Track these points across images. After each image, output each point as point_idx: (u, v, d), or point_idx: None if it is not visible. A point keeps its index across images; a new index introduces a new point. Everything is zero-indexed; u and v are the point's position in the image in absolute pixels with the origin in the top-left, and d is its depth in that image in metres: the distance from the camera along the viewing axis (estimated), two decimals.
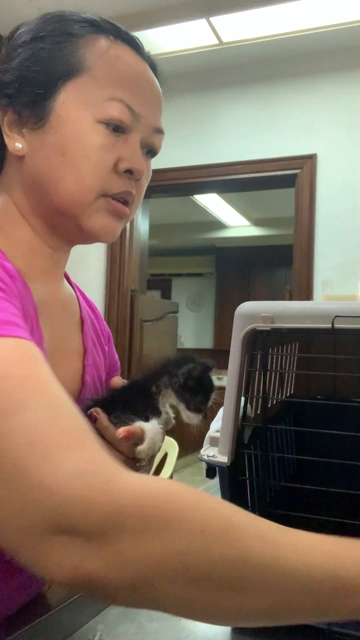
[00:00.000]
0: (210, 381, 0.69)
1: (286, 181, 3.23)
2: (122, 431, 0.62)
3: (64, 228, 0.71)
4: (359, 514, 0.62)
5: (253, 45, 3.02)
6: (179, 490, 0.44)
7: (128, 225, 3.52)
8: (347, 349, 0.63)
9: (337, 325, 0.61)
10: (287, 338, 0.77)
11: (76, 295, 0.84)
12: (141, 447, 0.62)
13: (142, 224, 3.71)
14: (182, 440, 3.47)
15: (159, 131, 0.75)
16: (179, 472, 5.69)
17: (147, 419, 0.64)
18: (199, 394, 0.67)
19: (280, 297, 6.42)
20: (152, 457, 0.68)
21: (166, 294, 8.31)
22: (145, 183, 0.75)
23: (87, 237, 0.72)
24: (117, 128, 0.68)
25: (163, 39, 2.96)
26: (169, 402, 0.68)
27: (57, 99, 0.66)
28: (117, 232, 0.72)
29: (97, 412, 0.66)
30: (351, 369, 0.63)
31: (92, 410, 0.66)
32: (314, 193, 3.09)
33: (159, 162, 3.20)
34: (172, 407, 0.69)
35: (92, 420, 0.65)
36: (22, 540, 0.41)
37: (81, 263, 3.52)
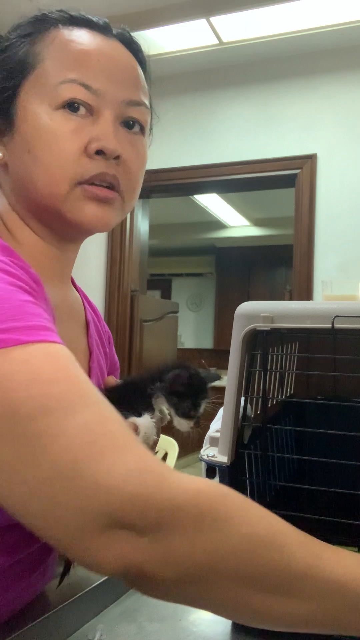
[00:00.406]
0: (201, 388, 0.69)
1: (286, 181, 3.23)
2: None
3: (55, 225, 0.70)
4: (359, 514, 0.62)
5: (253, 45, 3.02)
6: (229, 493, 0.47)
7: (128, 225, 3.52)
8: (347, 349, 0.63)
9: (337, 325, 0.61)
10: (287, 338, 0.77)
11: (80, 297, 0.85)
12: None
13: (142, 224, 3.71)
14: (182, 440, 3.47)
15: (135, 103, 0.70)
16: None
17: (139, 414, 0.64)
18: (187, 400, 0.67)
19: (280, 297, 6.43)
20: None
21: (166, 294, 8.31)
22: (135, 163, 0.71)
23: (78, 230, 0.71)
24: (77, 109, 0.66)
25: (163, 39, 2.96)
26: (162, 406, 0.69)
27: (18, 100, 0.67)
28: (109, 219, 0.70)
29: None
30: (351, 369, 0.63)
31: None
32: (314, 193, 3.09)
33: (159, 162, 3.22)
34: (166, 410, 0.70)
35: None
36: (79, 536, 0.43)
37: (81, 263, 3.51)
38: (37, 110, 0.66)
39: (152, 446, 0.66)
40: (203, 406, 0.69)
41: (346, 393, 0.72)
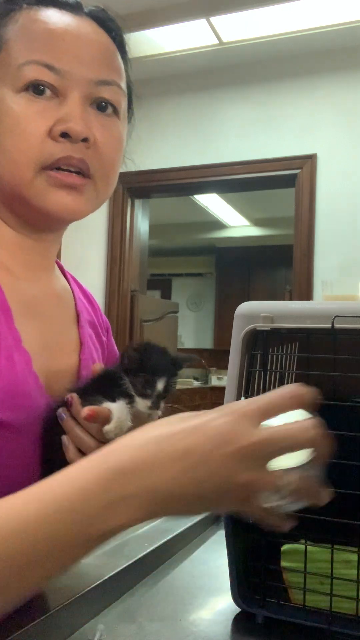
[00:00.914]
0: (159, 365, 0.64)
1: (286, 181, 3.23)
2: (86, 410, 0.59)
3: (24, 214, 0.68)
4: (359, 514, 0.62)
5: (253, 45, 3.02)
6: None
7: (128, 225, 3.52)
8: (347, 349, 0.63)
9: (337, 325, 0.61)
10: (287, 338, 0.77)
11: (71, 287, 0.81)
12: (107, 427, 0.59)
13: (142, 224, 3.71)
14: None
15: (106, 83, 0.66)
16: None
17: (114, 400, 0.61)
18: (140, 377, 0.63)
19: (280, 297, 6.43)
20: None
21: (166, 294, 8.31)
22: (108, 146, 0.67)
23: (47, 218, 0.67)
24: (40, 91, 0.62)
25: (163, 39, 2.96)
26: (130, 390, 0.64)
27: None
28: (79, 207, 0.66)
29: (72, 397, 0.63)
30: (351, 369, 0.63)
31: (68, 395, 0.64)
32: (314, 193, 3.09)
33: (159, 162, 3.23)
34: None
35: (68, 405, 0.63)
36: None
37: (81, 263, 3.52)
38: (0, 96, 0.63)
39: (125, 431, 0.61)
40: (161, 385, 0.63)
41: (346, 393, 0.72)
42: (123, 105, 0.70)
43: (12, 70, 0.62)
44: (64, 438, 0.62)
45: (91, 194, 0.67)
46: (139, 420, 0.63)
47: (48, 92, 0.63)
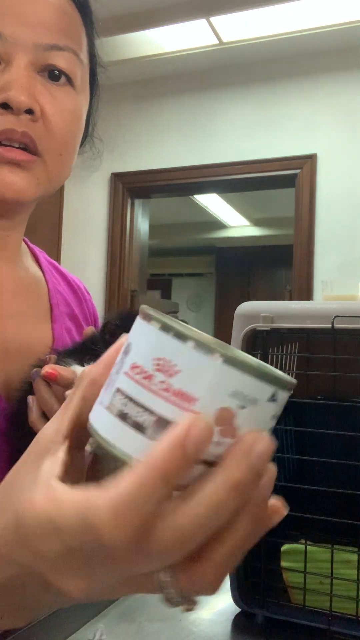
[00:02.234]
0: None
1: (286, 181, 3.23)
2: (46, 368, 0.53)
3: None
4: (359, 514, 0.62)
5: (253, 45, 3.02)
6: None
7: (128, 225, 3.52)
8: (347, 349, 0.63)
9: (337, 325, 0.61)
10: (287, 338, 0.77)
11: (46, 278, 0.74)
12: (69, 392, 0.52)
13: (142, 224, 3.71)
14: None
15: (57, 48, 0.58)
16: None
17: (82, 364, 0.57)
18: None
19: (280, 297, 6.42)
20: None
21: (166, 294, 8.31)
22: (59, 118, 0.60)
23: None
24: None
25: (163, 39, 2.96)
26: None
27: None
28: (24, 185, 0.59)
29: (50, 357, 0.59)
30: (351, 369, 0.63)
31: (47, 355, 0.59)
32: (314, 193, 3.09)
33: (159, 162, 3.23)
34: None
35: (45, 365, 0.58)
36: None
37: (81, 263, 3.52)
38: None
39: None
40: None
41: (346, 393, 0.72)
42: (80, 75, 0.62)
43: None
44: (29, 398, 0.56)
45: (40, 173, 0.60)
46: None
47: None
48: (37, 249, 0.79)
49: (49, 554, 0.28)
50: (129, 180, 3.46)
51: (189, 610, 0.32)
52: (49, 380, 0.54)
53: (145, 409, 0.27)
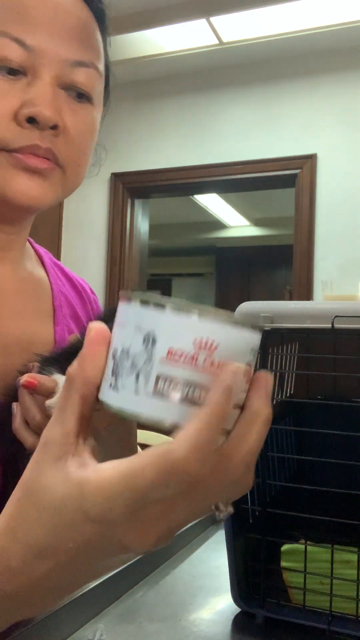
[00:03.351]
0: None
1: (286, 181, 3.23)
2: (25, 377, 0.53)
3: None
4: (359, 514, 0.62)
5: (253, 45, 3.02)
6: None
7: (128, 225, 3.52)
8: (347, 349, 0.63)
9: (337, 325, 0.61)
10: (287, 338, 0.77)
11: (50, 280, 0.74)
12: (49, 402, 0.52)
13: (142, 224, 3.71)
14: None
15: (82, 64, 0.59)
16: None
17: (63, 372, 0.56)
18: None
19: (280, 297, 6.43)
20: None
21: (166, 294, 8.31)
22: (79, 134, 0.61)
23: (4, 206, 0.61)
24: (11, 70, 0.56)
25: (163, 39, 2.96)
26: None
27: None
28: (43, 193, 0.59)
29: (33, 365, 0.58)
30: (351, 369, 0.63)
31: (31, 363, 0.59)
32: (314, 193, 3.09)
33: (159, 162, 3.23)
34: None
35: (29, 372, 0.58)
36: None
37: (81, 263, 3.52)
38: None
39: None
40: None
41: (346, 393, 0.72)
42: (98, 89, 0.63)
43: None
44: (14, 405, 0.56)
45: (57, 182, 0.61)
46: None
47: (16, 70, 0.56)
48: (42, 250, 0.78)
49: (123, 516, 0.32)
50: (129, 180, 3.46)
51: (229, 513, 0.39)
52: (28, 390, 0.53)
53: (197, 386, 0.33)
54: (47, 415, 0.53)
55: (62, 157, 0.60)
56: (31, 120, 0.56)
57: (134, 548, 0.34)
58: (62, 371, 0.55)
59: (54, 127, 0.58)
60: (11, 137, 0.56)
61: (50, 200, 0.61)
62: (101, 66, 0.63)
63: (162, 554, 0.90)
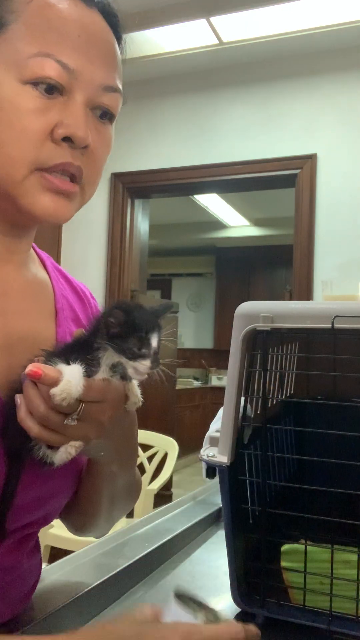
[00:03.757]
0: (146, 321, 0.58)
1: (286, 181, 3.23)
2: (30, 366, 0.54)
3: (4, 210, 0.64)
4: (359, 514, 0.62)
5: (253, 45, 3.02)
6: None
7: (128, 225, 3.52)
8: (347, 349, 0.63)
9: (337, 325, 0.61)
10: (287, 338, 0.77)
11: (52, 283, 0.76)
12: (53, 390, 0.53)
13: (142, 224, 3.71)
14: (182, 440, 3.47)
15: (111, 89, 0.63)
16: (179, 472, 5.69)
17: (68, 363, 0.56)
18: (132, 338, 0.57)
19: (280, 297, 6.43)
20: (93, 416, 0.57)
21: (166, 294, 8.31)
22: (101, 153, 0.65)
23: (29, 219, 0.64)
24: (49, 89, 0.58)
25: (163, 39, 2.96)
26: (113, 360, 0.58)
27: None
28: (66, 212, 0.63)
29: (39, 358, 0.59)
30: (351, 369, 0.63)
31: (36, 357, 0.59)
32: (314, 193, 3.09)
33: (159, 162, 3.23)
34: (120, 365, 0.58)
35: None
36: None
37: (81, 263, 3.52)
38: (0, 79, 0.58)
39: (76, 403, 0.55)
40: (155, 340, 0.58)
41: (346, 393, 0.72)
42: (118, 110, 0.67)
43: (19, 57, 0.58)
44: (17, 397, 0.57)
45: (77, 200, 0.65)
46: (120, 395, 0.58)
47: (54, 89, 0.59)
48: (44, 255, 0.80)
49: None
50: (129, 180, 3.46)
51: None
52: (33, 379, 0.54)
53: None
54: (51, 406, 0.54)
55: (85, 175, 0.63)
56: (66, 139, 0.59)
57: None
58: (67, 362, 0.56)
59: (86, 147, 0.61)
60: (47, 155, 0.59)
61: (70, 217, 0.65)
62: (121, 87, 0.67)
63: (162, 554, 0.90)
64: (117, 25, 0.66)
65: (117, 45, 0.66)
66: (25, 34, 0.58)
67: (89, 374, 0.56)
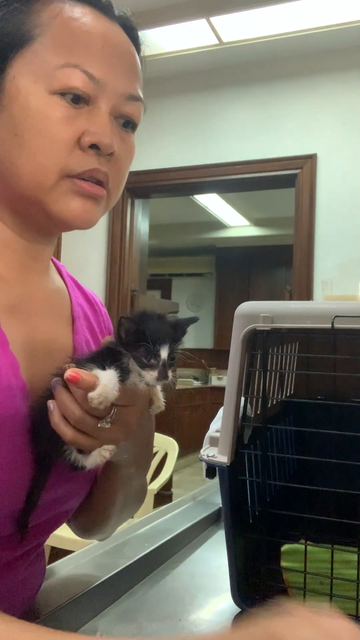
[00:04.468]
0: (159, 331, 0.58)
1: (286, 181, 3.23)
2: (69, 371, 0.55)
3: (33, 216, 0.65)
4: (359, 514, 0.62)
5: (253, 45, 3.02)
6: None
7: (128, 225, 3.52)
8: (347, 349, 0.63)
9: (337, 325, 0.61)
10: (287, 338, 0.77)
11: (69, 292, 0.79)
12: (92, 394, 0.55)
13: (142, 224, 3.71)
14: (182, 440, 3.47)
15: (134, 98, 0.66)
16: (179, 472, 5.69)
17: (103, 368, 0.57)
18: (141, 347, 0.58)
19: (280, 297, 6.43)
20: (124, 421, 0.59)
21: (166, 294, 8.31)
22: (125, 160, 0.68)
23: (59, 225, 0.66)
24: (76, 99, 0.61)
25: (163, 39, 2.96)
26: (135, 367, 0.59)
27: (7, 74, 0.61)
28: (94, 216, 0.65)
29: (69, 365, 0.59)
30: (351, 369, 0.63)
31: (67, 363, 0.60)
32: (314, 193, 3.09)
33: (159, 162, 3.23)
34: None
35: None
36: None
37: (81, 263, 3.52)
38: (29, 90, 0.60)
39: (110, 407, 0.57)
40: (165, 352, 0.58)
41: (346, 393, 0.72)
42: (140, 119, 0.70)
43: (46, 68, 0.60)
44: (50, 402, 0.59)
45: (104, 205, 0.67)
46: (138, 398, 0.59)
47: (80, 98, 0.61)
48: (59, 263, 0.82)
49: None
50: (129, 180, 3.43)
51: None
52: (72, 383, 0.56)
53: None
54: (86, 410, 0.56)
55: (111, 181, 0.66)
56: (93, 146, 0.62)
57: None
58: (102, 368, 0.58)
59: (111, 154, 0.64)
60: (76, 162, 0.62)
61: (97, 221, 0.67)
62: (142, 96, 0.69)
63: (162, 554, 0.90)
64: (137, 38, 0.70)
65: (137, 57, 0.68)
66: (52, 46, 0.60)
67: (121, 379, 0.58)
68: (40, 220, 0.66)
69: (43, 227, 0.67)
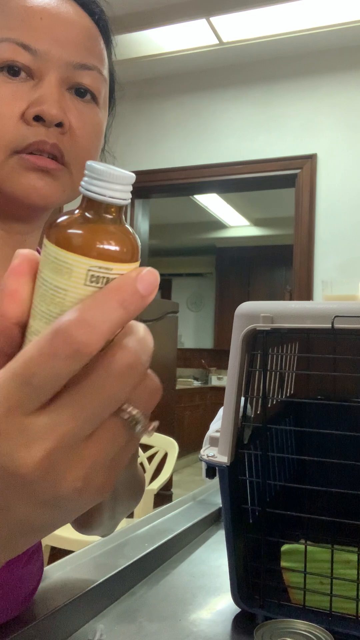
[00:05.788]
0: None
1: (286, 181, 3.23)
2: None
3: None
4: (359, 514, 0.62)
5: (253, 45, 3.02)
6: None
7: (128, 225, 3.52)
8: (347, 349, 0.63)
9: (337, 325, 0.61)
10: (287, 338, 0.77)
11: None
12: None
13: (142, 224, 3.71)
14: (182, 440, 3.47)
15: (85, 67, 0.63)
16: (179, 472, 5.69)
17: None
18: None
19: (280, 297, 6.43)
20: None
21: (166, 294, 8.31)
22: (84, 132, 0.64)
23: (17, 205, 0.63)
24: (13, 71, 0.59)
25: (163, 39, 2.96)
26: None
27: None
28: (49, 192, 0.62)
29: None
30: (351, 369, 0.63)
31: None
32: (314, 193, 3.09)
33: (159, 162, 3.23)
34: None
35: None
36: None
37: None
38: None
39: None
40: None
41: (346, 393, 0.72)
42: (103, 92, 0.66)
43: None
44: None
45: (66, 182, 0.63)
46: None
47: (23, 73, 0.60)
48: None
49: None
50: None
51: (152, 427, 0.33)
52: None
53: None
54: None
55: (68, 156, 0.62)
56: (38, 118, 0.59)
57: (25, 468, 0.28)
58: None
59: (60, 125, 0.60)
60: (21, 136, 0.59)
61: (59, 199, 0.64)
62: (105, 72, 0.66)
63: (162, 554, 0.90)
64: (96, 12, 0.66)
65: (95, 29, 0.65)
66: None
67: None
68: (1, 203, 0.63)
69: (8, 210, 0.65)
